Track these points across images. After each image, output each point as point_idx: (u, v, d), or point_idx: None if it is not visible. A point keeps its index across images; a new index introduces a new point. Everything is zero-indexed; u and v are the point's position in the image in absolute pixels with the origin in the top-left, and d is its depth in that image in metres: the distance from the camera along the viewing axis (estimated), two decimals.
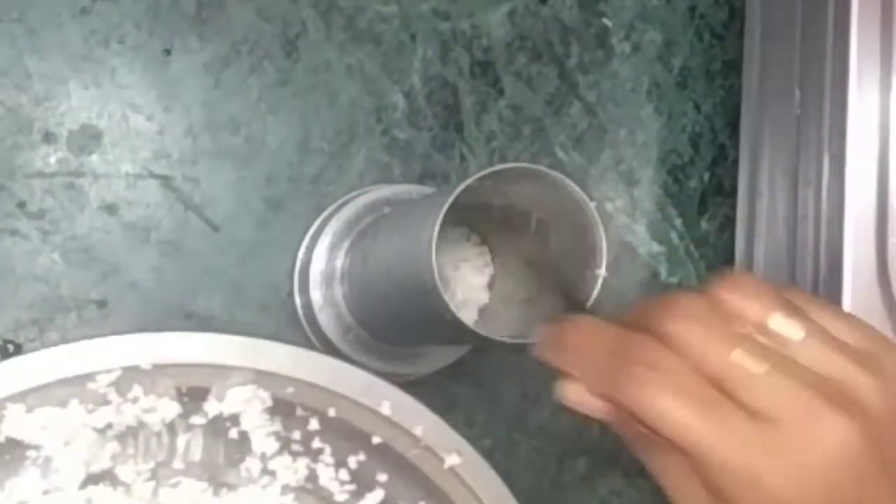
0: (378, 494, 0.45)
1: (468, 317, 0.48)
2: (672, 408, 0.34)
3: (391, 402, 0.44)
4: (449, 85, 0.55)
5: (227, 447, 0.44)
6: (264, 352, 0.43)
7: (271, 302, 0.52)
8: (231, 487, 0.44)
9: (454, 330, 0.42)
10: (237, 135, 0.52)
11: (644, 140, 0.58)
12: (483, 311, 0.50)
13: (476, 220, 0.50)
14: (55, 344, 0.43)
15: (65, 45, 0.50)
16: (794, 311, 0.35)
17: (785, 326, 0.35)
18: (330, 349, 0.51)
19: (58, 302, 0.49)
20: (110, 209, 0.50)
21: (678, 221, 0.59)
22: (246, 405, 0.43)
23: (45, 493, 0.42)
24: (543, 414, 0.56)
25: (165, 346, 0.42)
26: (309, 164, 0.53)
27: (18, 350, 0.49)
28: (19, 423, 0.41)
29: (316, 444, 0.44)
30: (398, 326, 0.49)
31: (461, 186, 0.41)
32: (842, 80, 0.48)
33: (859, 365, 0.34)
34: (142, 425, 0.43)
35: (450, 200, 0.40)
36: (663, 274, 0.58)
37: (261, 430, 0.43)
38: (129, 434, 0.43)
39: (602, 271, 0.43)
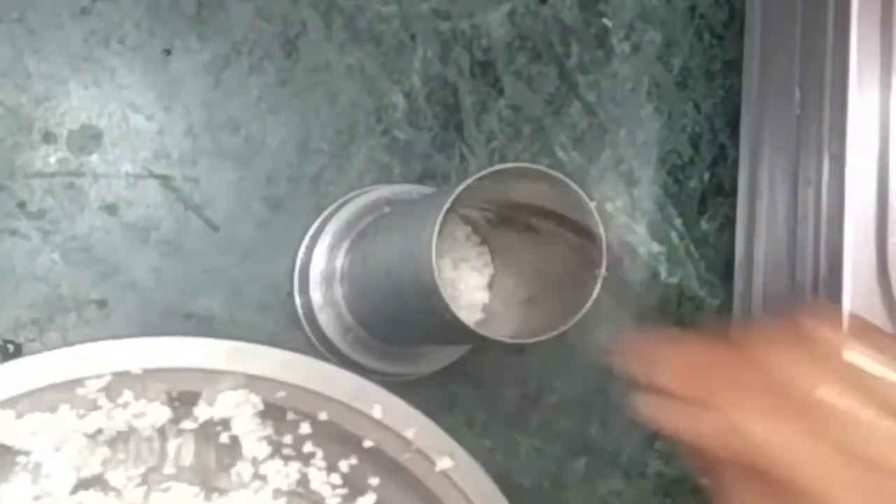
0: (370, 498, 0.45)
1: (468, 317, 0.48)
2: (774, 435, 0.34)
3: (382, 405, 0.44)
4: (449, 85, 0.55)
5: (218, 452, 0.44)
6: (255, 356, 0.43)
7: (271, 302, 0.52)
8: (222, 492, 0.44)
9: (454, 330, 0.42)
10: (237, 135, 0.52)
11: (644, 140, 0.58)
12: (483, 311, 0.50)
13: (476, 220, 0.50)
14: (55, 343, 0.43)
15: (65, 45, 0.50)
16: None
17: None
18: (330, 349, 0.51)
19: (58, 302, 0.49)
20: (110, 209, 0.50)
21: (678, 221, 0.59)
22: (237, 409, 0.43)
23: (36, 498, 0.41)
24: (543, 414, 0.56)
25: (155, 350, 0.42)
26: (309, 164, 0.53)
27: (18, 350, 0.49)
28: (9, 429, 0.41)
29: (307, 448, 0.44)
30: (398, 326, 0.49)
31: (461, 186, 0.41)
32: (842, 80, 0.48)
33: None
34: (132, 430, 0.42)
35: (450, 200, 0.40)
36: (663, 274, 0.58)
37: (252, 435, 0.43)
38: (120, 439, 0.43)
39: (602, 271, 0.43)
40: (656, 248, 0.58)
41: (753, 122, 0.56)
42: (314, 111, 0.53)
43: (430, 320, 0.43)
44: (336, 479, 0.44)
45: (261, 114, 0.52)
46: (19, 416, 0.41)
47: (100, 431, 0.42)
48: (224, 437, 0.43)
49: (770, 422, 0.34)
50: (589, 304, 0.42)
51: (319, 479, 0.44)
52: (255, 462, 0.44)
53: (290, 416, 0.43)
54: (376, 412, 0.43)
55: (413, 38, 0.55)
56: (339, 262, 0.51)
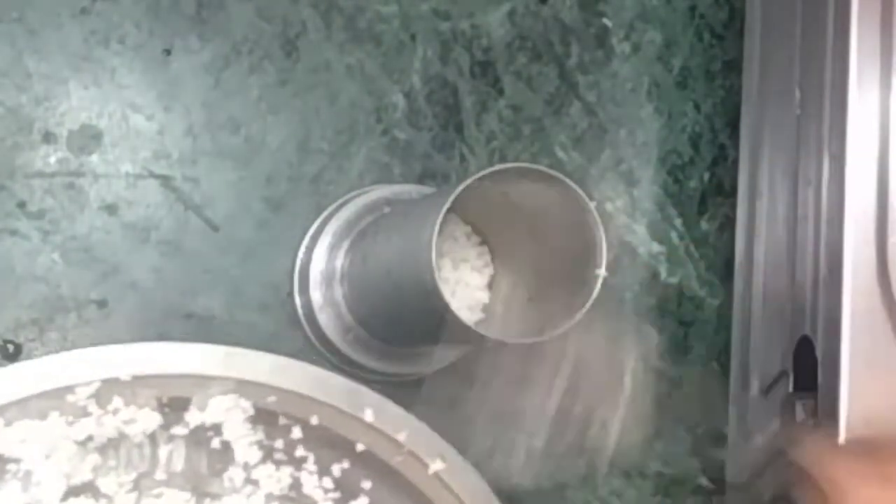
0: (362, 502, 0.44)
1: (468, 317, 0.48)
2: None
3: (374, 408, 0.44)
4: (449, 85, 0.55)
5: (209, 457, 0.44)
6: (244, 361, 0.43)
7: (271, 302, 0.52)
8: (214, 497, 0.44)
9: (454, 330, 0.42)
10: (237, 135, 0.52)
11: (644, 140, 0.58)
12: (483, 311, 0.50)
13: (476, 220, 0.50)
14: (55, 343, 0.43)
15: (65, 45, 0.50)
16: None
17: None
18: (330, 349, 0.51)
19: (58, 302, 0.49)
20: (110, 209, 0.50)
21: (678, 221, 0.59)
22: (227, 415, 0.43)
23: None
24: (543, 414, 0.56)
25: (144, 356, 0.42)
26: (309, 164, 0.53)
27: (18, 350, 0.49)
28: None
29: (299, 452, 0.44)
30: (398, 326, 0.49)
31: (461, 186, 0.41)
32: (842, 80, 0.48)
33: None
34: (123, 437, 0.42)
35: (450, 200, 0.41)
36: (663, 274, 0.58)
37: (243, 440, 0.43)
38: (111, 446, 0.42)
39: (602, 271, 0.43)
40: (656, 248, 0.58)
41: (753, 122, 0.56)
42: (314, 111, 0.53)
43: (430, 320, 0.43)
44: (328, 483, 0.44)
45: (261, 114, 0.52)
46: (8, 423, 0.41)
47: (90, 438, 0.42)
48: (215, 443, 0.43)
49: None
50: (589, 304, 0.42)
51: (311, 484, 0.44)
52: (246, 467, 0.44)
53: (282, 420, 0.43)
54: (368, 415, 0.43)
55: (413, 38, 0.55)
56: (339, 262, 0.51)
